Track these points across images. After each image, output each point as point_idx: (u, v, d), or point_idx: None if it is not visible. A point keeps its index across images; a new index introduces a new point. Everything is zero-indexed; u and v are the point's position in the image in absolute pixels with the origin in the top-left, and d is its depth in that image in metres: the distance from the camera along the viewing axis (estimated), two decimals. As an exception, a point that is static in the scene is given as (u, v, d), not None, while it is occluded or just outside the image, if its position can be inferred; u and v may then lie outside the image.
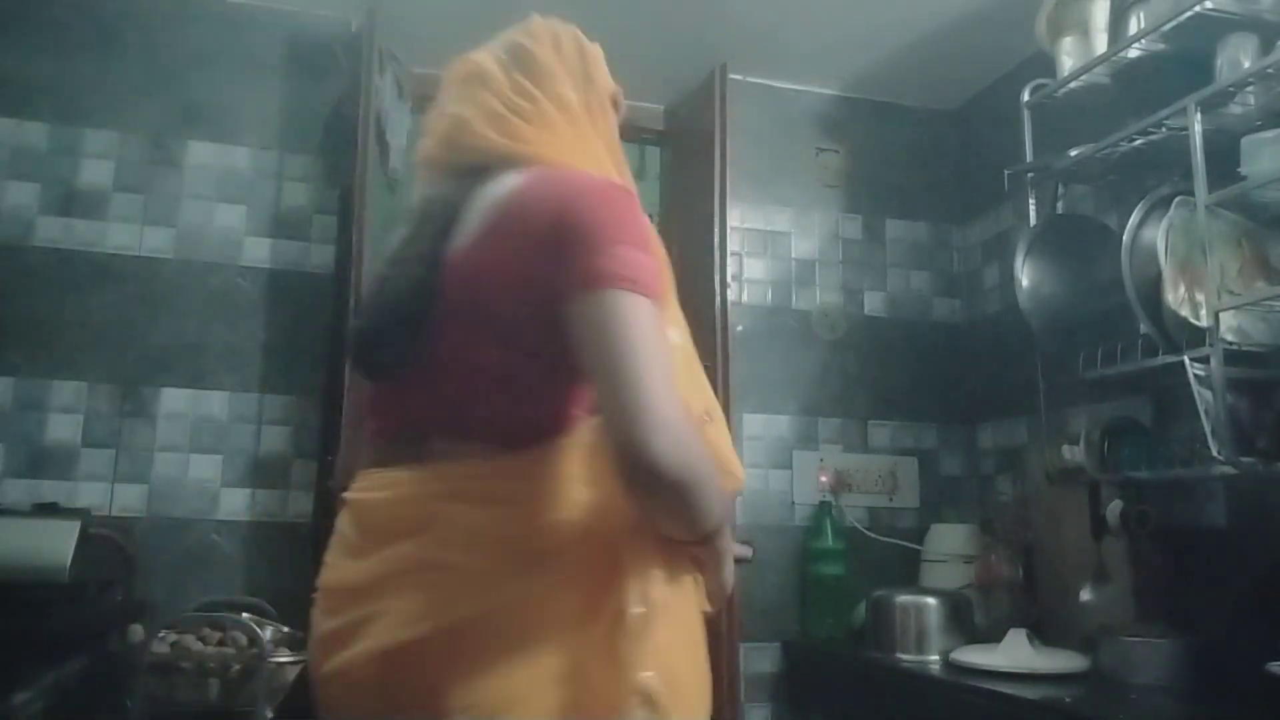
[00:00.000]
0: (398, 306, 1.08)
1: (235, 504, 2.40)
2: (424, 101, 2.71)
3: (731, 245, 2.68)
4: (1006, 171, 2.32)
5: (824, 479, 2.81)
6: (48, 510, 2.12)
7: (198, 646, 1.84)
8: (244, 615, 1.93)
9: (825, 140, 3.05)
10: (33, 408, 2.31)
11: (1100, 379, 2.07)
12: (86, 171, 2.44)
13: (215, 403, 2.43)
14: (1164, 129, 1.92)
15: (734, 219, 2.71)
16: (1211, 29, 1.85)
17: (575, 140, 1.19)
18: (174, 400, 2.40)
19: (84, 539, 1.94)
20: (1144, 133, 1.97)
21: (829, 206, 3.02)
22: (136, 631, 1.87)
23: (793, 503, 2.80)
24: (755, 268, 2.92)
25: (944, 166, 3.13)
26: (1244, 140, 1.77)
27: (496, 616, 0.94)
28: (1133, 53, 2.00)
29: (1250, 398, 1.78)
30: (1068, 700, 1.74)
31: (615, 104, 1.29)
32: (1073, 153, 2.18)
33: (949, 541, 2.64)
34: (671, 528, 0.99)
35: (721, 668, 2.41)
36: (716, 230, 2.63)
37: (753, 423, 2.80)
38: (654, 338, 0.94)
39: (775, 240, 2.96)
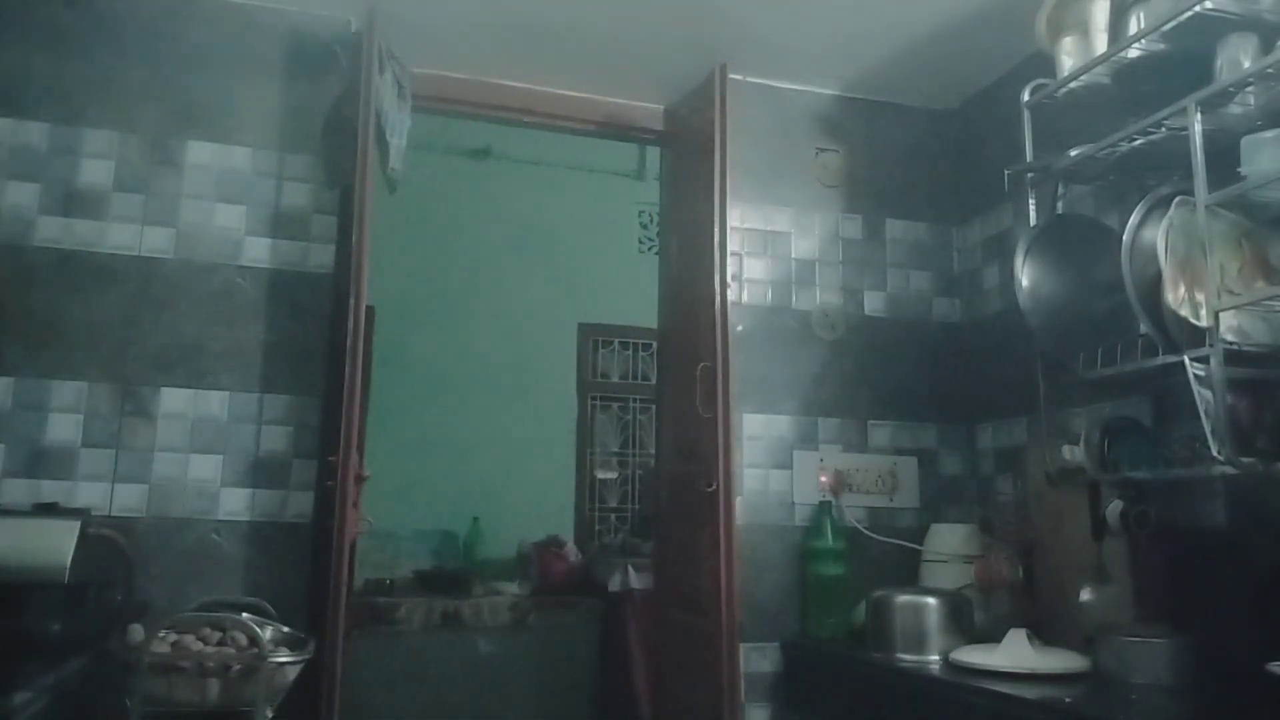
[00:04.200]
0: None
1: (235, 504, 2.40)
2: (424, 101, 2.75)
3: (731, 245, 2.68)
4: (1006, 171, 2.32)
5: (824, 479, 2.81)
6: (48, 510, 2.11)
7: (198, 646, 1.83)
8: (244, 615, 1.93)
9: (825, 140, 3.05)
10: (33, 408, 2.31)
11: (1100, 379, 2.07)
12: (86, 171, 2.44)
13: (215, 403, 2.43)
14: (1164, 129, 1.92)
15: (734, 219, 2.71)
16: (1211, 29, 1.85)
17: None
18: (174, 400, 2.40)
19: (84, 539, 1.93)
20: (1144, 133, 1.96)
21: (829, 206, 3.02)
22: (136, 631, 1.86)
23: (793, 503, 2.80)
24: (755, 268, 2.92)
25: (944, 166, 3.13)
26: (1244, 140, 1.77)
27: None
28: (1133, 53, 2.00)
29: (1250, 398, 1.78)
30: (1068, 700, 1.74)
31: None
32: (1073, 153, 2.18)
33: (949, 541, 2.64)
34: None
35: (721, 668, 2.42)
36: (716, 230, 2.62)
37: (753, 423, 2.80)
38: None
39: (775, 240, 2.96)
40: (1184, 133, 1.81)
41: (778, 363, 2.87)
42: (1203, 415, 1.74)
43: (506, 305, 4.59)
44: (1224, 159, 1.78)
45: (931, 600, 2.32)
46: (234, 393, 2.44)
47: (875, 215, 3.06)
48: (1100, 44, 2.10)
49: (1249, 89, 1.82)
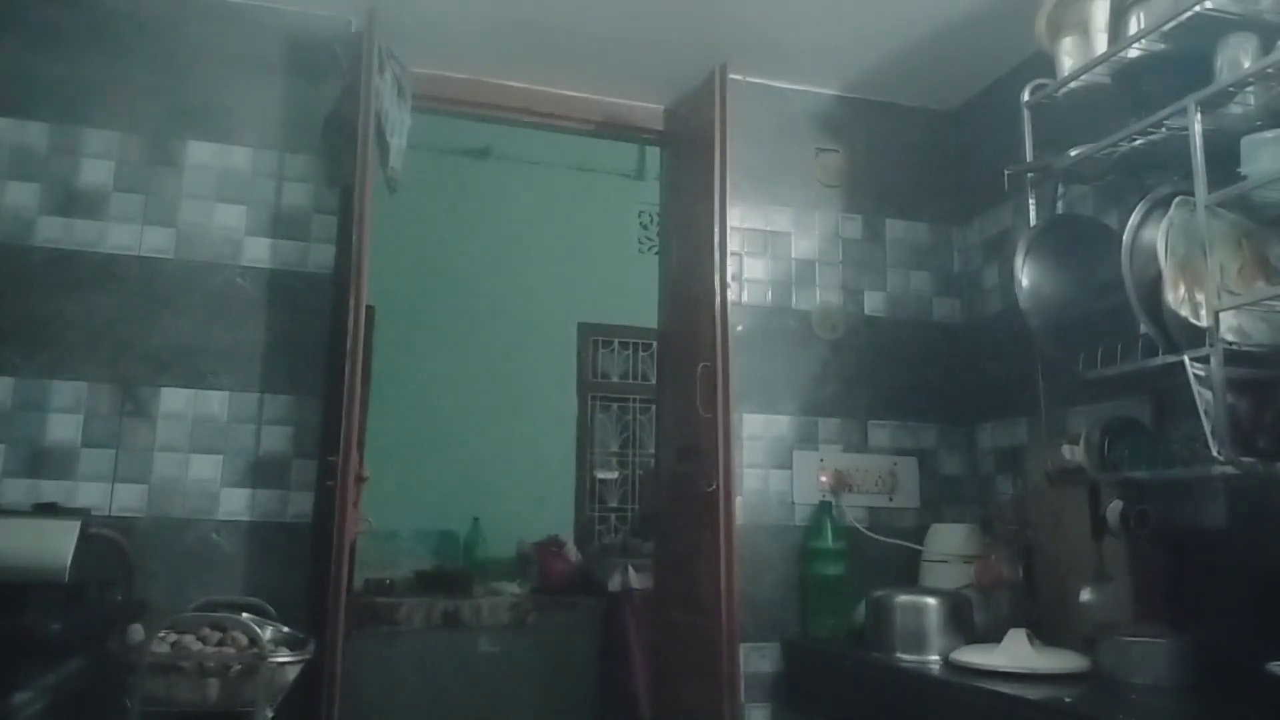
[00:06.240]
0: None
1: (235, 504, 2.40)
2: (424, 101, 2.75)
3: (731, 245, 2.68)
4: (1006, 171, 2.32)
5: (824, 479, 2.81)
6: (48, 510, 2.12)
7: (198, 646, 1.83)
8: (244, 615, 1.93)
9: (825, 140, 3.05)
10: (33, 408, 2.31)
11: (1100, 379, 2.07)
12: (86, 171, 2.44)
13: (215, 403, 2.43)
14: (1164, 129, 1.92)
15: (734, 219, 2.71)
16: (1211, 29, 1.85)
17: None
18: (174, 400, 2.40)
19: (84, 539, 1.94)
20: (1144, 133, 1.96)
21: (829, 206, 3.02)
22: (136, 631, 1.86)
23: (793, 503, 2.80)
24: (755, 268, 2.92)
25: (944, 166, 3.13)
26: (1244, 140, 1.77)
27: None
28: (1133, 53, 2.00)
29: (1250, 398, 1.78)
30: (1068, 700, 1.74)
31: None
32: (1073, 153, 2.18)
33: (949, 541, 2.63)
34: None
35: (721, 668, 2.42)
36: (716, 230, 2.62)
37: (753, 423, 2.80)
38: None
39: (775, 240, 2.96)
40: (1184, 133, 1.81)
41: (778, 363, 2.87)
42: (1203, 415, 1.73)
43: (506, 305, 4.59)
44: (1224, 159, 1.78)
45: (931, 600, 2.32)
46: (234, 393, 2.44)
47: (875, 215, 3.06)
48: (1100, 44, 2.10)
49: (1249, 89, 1.82)
